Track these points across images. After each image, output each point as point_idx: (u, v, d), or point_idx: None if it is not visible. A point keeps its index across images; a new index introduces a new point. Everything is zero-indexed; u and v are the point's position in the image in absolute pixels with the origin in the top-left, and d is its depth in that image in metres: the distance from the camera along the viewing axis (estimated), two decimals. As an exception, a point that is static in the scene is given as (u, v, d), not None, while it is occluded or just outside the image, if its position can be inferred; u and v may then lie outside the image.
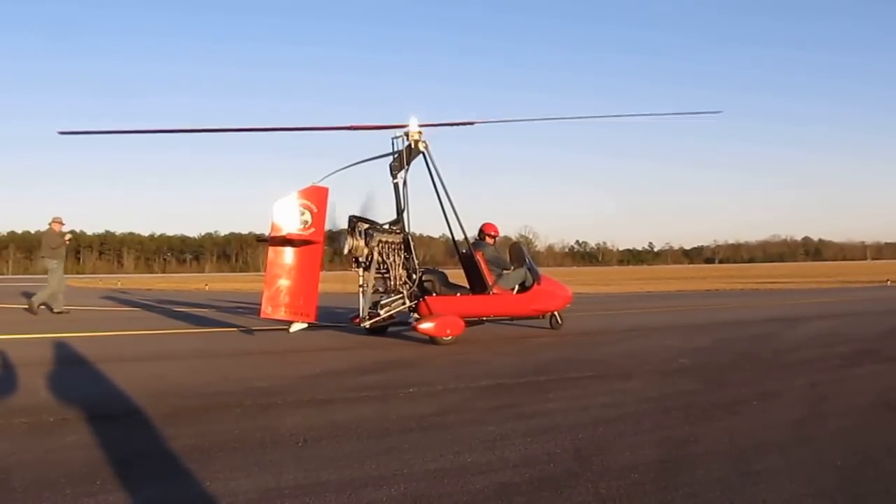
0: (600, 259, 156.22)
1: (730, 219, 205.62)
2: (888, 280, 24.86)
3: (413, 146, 7.57)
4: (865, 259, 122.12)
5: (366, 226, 7.30)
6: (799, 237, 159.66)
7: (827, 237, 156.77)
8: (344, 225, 7.36)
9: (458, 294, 7.77)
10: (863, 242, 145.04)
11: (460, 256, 8.28)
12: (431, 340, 6.96)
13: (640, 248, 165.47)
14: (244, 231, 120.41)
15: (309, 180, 6.97)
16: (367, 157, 7.74)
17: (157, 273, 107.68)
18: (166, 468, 2.73)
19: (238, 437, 3.20)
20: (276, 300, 6.70)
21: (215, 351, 6.73)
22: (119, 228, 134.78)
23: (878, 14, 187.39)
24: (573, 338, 7.75)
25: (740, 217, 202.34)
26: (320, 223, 6.89)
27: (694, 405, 3.89)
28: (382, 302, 7.37)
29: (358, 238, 7.18)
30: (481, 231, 8.45)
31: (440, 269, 8.33)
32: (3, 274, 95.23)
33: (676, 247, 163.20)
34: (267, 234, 6.83)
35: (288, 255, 6.82)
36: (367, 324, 7.16)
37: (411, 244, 7.49)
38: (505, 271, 8.04)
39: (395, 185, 7.54)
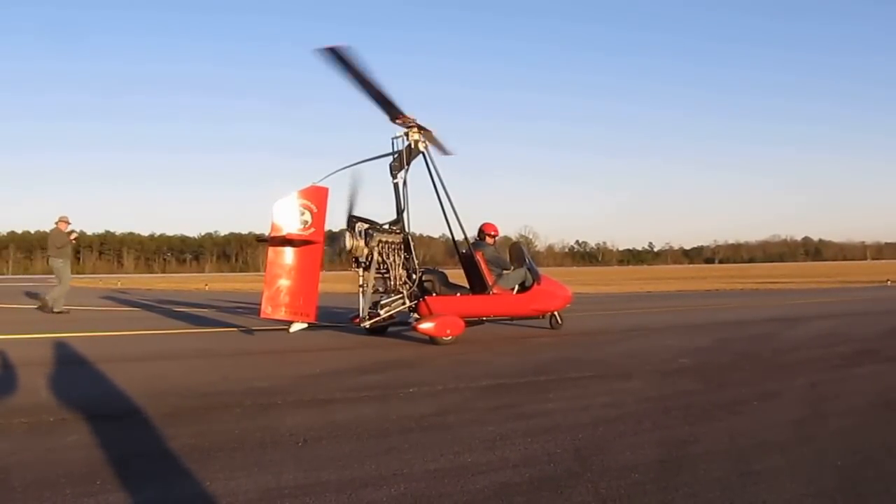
0: (600, 259, 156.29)
1: (730, 219, 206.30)
2: (888, 280, 24.88)
3: (413, 146, 7.57)
4: (865, 259, 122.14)
5: (366, 226, 7.30)
6: (799, 237, 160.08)
7: (827, 237, 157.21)
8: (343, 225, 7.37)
9: (458, 294, 7.77)
10: (863, 242, 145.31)
11: (460, 256, 8.28)
12: (431, 340, 6.96)
13: (640, 248, 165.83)
14: (244, 231, 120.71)
15: (309, 180, 6.99)
16: (367, 157, 7.76)
17: (157, 273, 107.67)
18: (166, 468, 2.73)
19: (238, 437, 3.19)
20: (276, 300, 6.70)
21: (215, 351, 6.72)
22: (119, 228, 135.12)
23: (878, 14, 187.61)
24: (573, 338, 7.75)
25: (740, 217, 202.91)
26: (320, 223, 6.89)
27: (694, 405, 3.89)
28: (382, 302, 7.36)
29: (358, 238, 7.18)
30: (481, 231, 8.45)
31: (440, 269, 8.33)
32: (3, 274, 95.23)
33: (676, 247, 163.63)
34: (267, 234, 6.83)
35: (288, 255, 6.82)
36: (367, 324, 7.16)
37: (411, 244, 7.49)
38: (505, 271, 8.04)
39: (395, 185, 7.54)
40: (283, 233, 6.69)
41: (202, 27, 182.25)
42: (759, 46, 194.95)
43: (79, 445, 3.05)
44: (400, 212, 7.56)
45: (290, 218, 6.73)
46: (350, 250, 7.19)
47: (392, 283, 7.36)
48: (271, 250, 6.82)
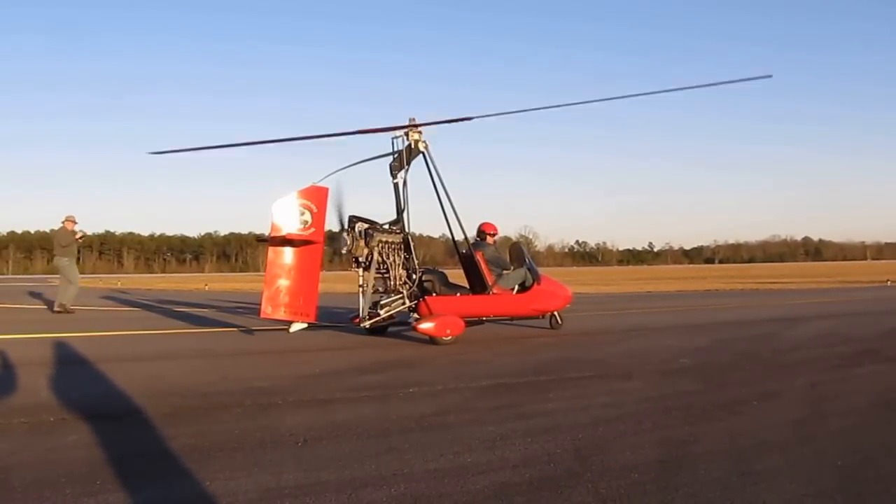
0: (600, 259, 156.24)
1: (730, 219, 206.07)
2: (888, 280, 24.88)
3: (413, 146, 7.57)
4: (865, 259, 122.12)
5: (366, 226, 7.30)
6: (799, 237, 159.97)
7: (827, 237, 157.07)
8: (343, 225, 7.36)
9: (458, 294, 7.77)
10: (863, 242, 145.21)
11: (460, 256, 8.28)
12: (431, 340, 6.96)
13: (640, 248, 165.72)
14: (244, 231, 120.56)
15: (309, 180, 6.99)
16: (367, 157, 7.75)
17: (157, 273, 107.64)
18: (166, 468, 2.73)
19: (238, 437, 3.20)
20: (276, 300, 6.70)
21: (215, 351, 6.73)
22: (119, 228, 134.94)
23: (878, 14, 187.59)
24: (573, 338, 7.76)
25: (740, 217, 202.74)
26: (320, 223, 6.89)
27: (694, 405, 3.90)
28: (382, 302, 7.36)
29: (358, 238, 7.18)
30: (480, 230, 8.44)
31: (440, 269, 8.33)
32: (3, 274, 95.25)
33: (676, 247, 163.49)
34: (267, 234, 6.83)
35: (288, 255, 6.82)
36: (367, 324, 7.16)
37: (411, 244, 7.49)
38: (505, 271, 8.04)
39: (395, 185, 7.54)
40: (283, 233, 6.69)
41: (202, 27, 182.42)
42: (759, 46, 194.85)
43: (79, 445, 3.05)
44: (400, 212, 7.56)
45: (289, 218, 6.73)
46: (350, 250, 7.19)
47: (392, 283, 7.35)
48: (271, 250, 6.82)
